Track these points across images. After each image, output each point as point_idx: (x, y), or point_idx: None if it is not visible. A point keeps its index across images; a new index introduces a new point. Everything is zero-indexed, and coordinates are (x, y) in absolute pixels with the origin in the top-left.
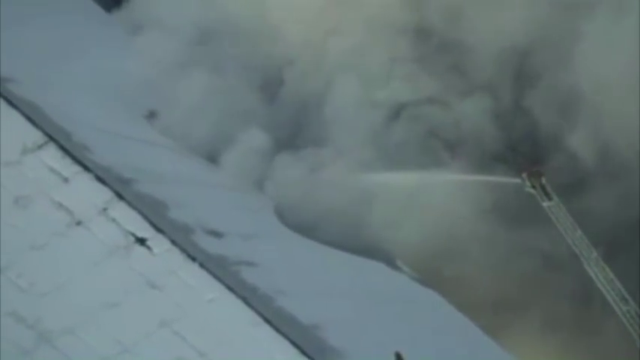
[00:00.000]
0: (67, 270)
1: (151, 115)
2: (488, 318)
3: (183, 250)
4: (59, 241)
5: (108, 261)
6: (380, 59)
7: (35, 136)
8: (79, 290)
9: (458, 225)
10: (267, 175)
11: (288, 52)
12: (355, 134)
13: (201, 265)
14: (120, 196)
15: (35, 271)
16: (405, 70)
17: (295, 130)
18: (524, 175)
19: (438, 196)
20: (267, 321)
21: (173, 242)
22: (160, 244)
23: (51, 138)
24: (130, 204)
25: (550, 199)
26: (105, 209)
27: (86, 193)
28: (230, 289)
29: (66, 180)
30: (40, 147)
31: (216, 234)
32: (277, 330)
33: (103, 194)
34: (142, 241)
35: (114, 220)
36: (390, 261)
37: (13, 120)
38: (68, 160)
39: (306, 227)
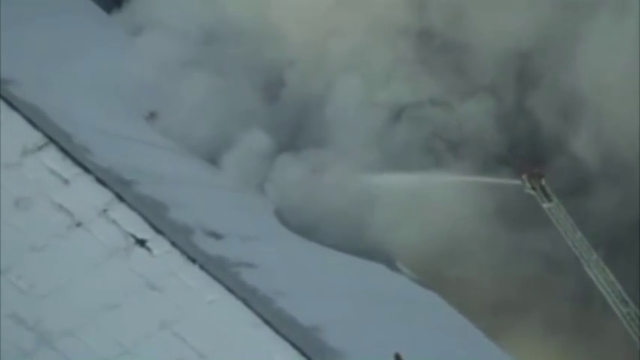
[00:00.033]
0: (68, 271)
1: (152, 116)
2: (488, 319)
3: (183, 252)
4: (59, 242)
5: (108, 262)
6: (382, 60)
7: (35, 137)
8: (79, 292)
9: (459, 226)
10: (267, 176)
11: (290, 53)
12: (357, 135)
13: (201, 267)
14: (120, 198)
15: (35, 272)
16: (407, 71)
17: (297, 131)
18: (524, 176)
19: (440, 197)
20: (267, 322)
21: (173, 244)
22: (160, 245)
23: (51, 139)
24: (130, 205)
25: (550, 200)
26: (105, 211)
27: (86, 194)
28: (230, 290)
29: (66, 181)
30: (40, 148)
31: (216, 235)
32: (277, 331)
33: (104, 196)
34: (142, 243)
35: (114, 221)
36: (390, 262)
37: (14, 121)
38: (68, 162)
39: (307, 229)
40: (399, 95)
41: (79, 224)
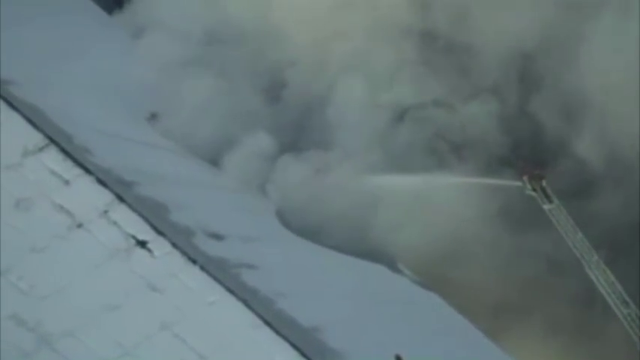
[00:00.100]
0: (68, 272)
1: (153, 117)
2: (490, 320)
3: (184, 253)
4: (60, 243)
5: (109, 263)
6: (385, 61)
7: (36, 138)
8: (80, 293)
9: (462, 228)
10: (270, 177)
11: (292, 54)
12: (359, 137)
13: (202, 268)
14: (121, 199)
15: (36, 273)
16: (410, 73)
17: (299, 133)
18: (525, 177)
19: (442, 198)
20: (268, 323)
21: (174, 245)
22: (160, 246)
23: (52, 140)
24: (130, 207)
25: (551, 201)
26: (106, 212)
27: (87, 195)
28: (230, 291)
29: (67, 182)
30: (41, 149)
31: (217, 236)
32: (277, 332)
33: (104, 197)
34: (142, 244)
35: (115, 222)
36: (391, 263)
37: (14, 122)
38: (69, 163)
39: (308, 230)
40: (401, 96)
41: (79, 225)
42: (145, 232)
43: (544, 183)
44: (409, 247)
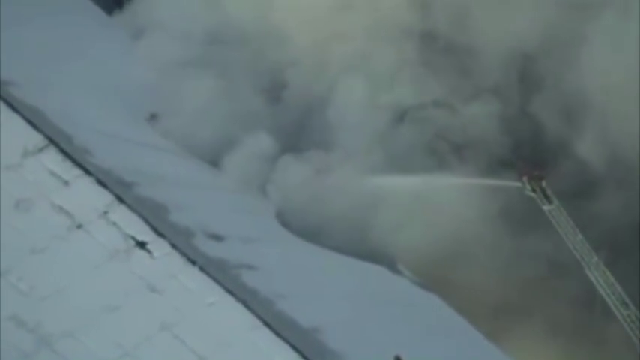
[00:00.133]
0: (68, 273)
1: (152, 118)
2: (490, 321)
3: (184, 254)
4: (60, 244)
5: (108, 264)
6: (385, 62)
7: (36, 139)
8: (80, 294)
9: (462, 229)
10: (270, 178)
11: (293, 55)
12: (360, 137)
13: (202, 269)
14: (120, 200)
15: (36, 274)
16: (411, 73)
17: (299, 134)
18: (524, 178)
19: (443, 199)
20: (267, 324)
21: (173, 246)
22: (160, 247)
23: (51, 141)
24: (130, 207)
25: (550, 202)
26: (105, 213)
27: (87, 196)
28: (230, 292)
29: (66, 183)
30: (40, 150)
31: (216, 237)
32: (277, 333)
33: (104, 198)
34: (142, 245)
35: (114, 223)
36: (390, 264)
37: (14, 123)
38: (69, 164)
39: (309, 231)
40: (402, 97)
41: (79, 226)
42: (145, 233)
43: (544, 184)
44: (409, 248)
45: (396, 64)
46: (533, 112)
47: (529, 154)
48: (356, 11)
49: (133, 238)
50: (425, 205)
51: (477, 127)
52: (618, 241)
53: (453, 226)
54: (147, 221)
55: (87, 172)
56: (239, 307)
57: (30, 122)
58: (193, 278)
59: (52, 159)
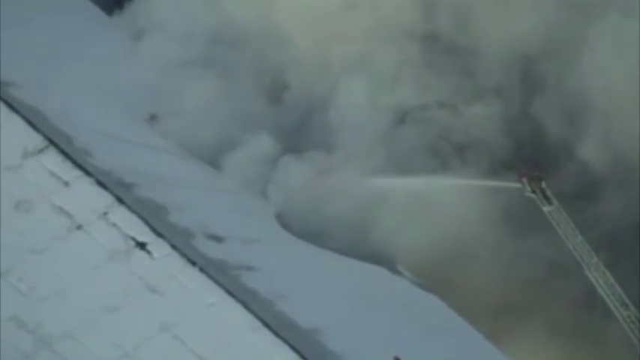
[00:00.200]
0: (68, 274)
1: (152, 119)
2: (491, 322)
3: (183, 255)
4: (59, 245)
5: (108, 265)
6: (388, 63)
7: (36, 140)
8: (79, 294)
9: (463, 230)
10: (270, 179)
11: (295, 56)
12: (362, 138)
13: (201, 270)
14: (120, 201)
15: (36, 275)
16: (413, 74)
17: (301, 134)
18: (524, 179)
19: (444, 200)
20: (267, 325)
21: (173, 247)
22: (160, 248)
23: (51, 142)
24: (130, 208)
25: (550, 203)
26: (105, 213)
27: (87, 197)
28: (230, 293)
29: (66, 184)
30: (40, 151)
31: (216, 238)
32: (277, 334)
33: (104, 198)
34: (142, 246)
35: (114, 224)
36: (390, 265)
37: (14, 124)
38: (69, 165)
39: (309, 232)
40: (404, 98)
41: (79, 227)
42: (145, 234)
43: (543, 185)
44: (411, 249)
45: (397, 64)
46: (536, 113)
47: (531, 155)
48: (357, 12)
49: (133, 238)
50: (426, 206)
51: (479, 128)
52: (618, 241)
53: (453, 226)
54: (147, 222)
55: (87, 172)
56: (239, 308)
57: (30, 123)
58: (193, 279)
59: (52, 160)
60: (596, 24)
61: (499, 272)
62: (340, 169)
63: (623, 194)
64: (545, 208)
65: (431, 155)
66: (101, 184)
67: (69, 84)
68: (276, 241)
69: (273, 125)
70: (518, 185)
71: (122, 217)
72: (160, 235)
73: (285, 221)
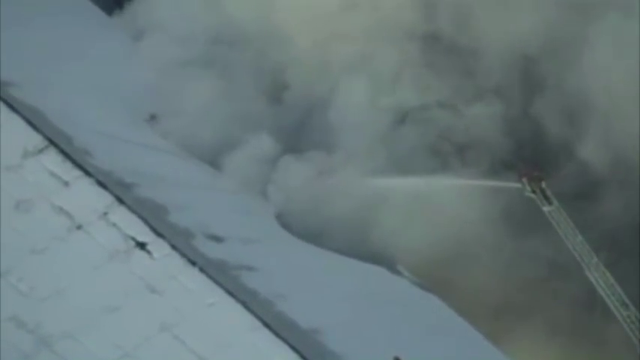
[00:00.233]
0: (68, 274)
1: (152, 119)
2: (491, 322)
3: (184, 255)
4: (59, 245)
5: (108, 265)
6: (388, 63)
7: (36, 140)
8: (79, 294)
9: (464, 230)
10: (270, 179)
11: (295, 56)
12: (362, 138)
13: (201, 270)
14: (120, 201)
15: (35, 275)
16: (413, 74)
17: (301, 134)
18: (524, 179)
19: (444, 200)
20: (267, 325)
21: (173, 247)
22: (160, 248)
23: (51, 142)
24: (130, 208)
25: (550, 203)
26: (105, 213)
27: (87, 197)
28: (230, 293)
29: (66, 184)
30: (40, 151)
31: (216, 238)
32: (277, 334)
33: (104, 198)
34: (142, 246)
35: (114, 224)
36: (390, 265)
37: (14, 124)
38: (69, 165)
39: (310, 233)
40: (404, 98)
41: (79, 227)
42: (145, 234)
43: (543, 185)
44: (411, 249)
45: (397, 64)
46: (536, 113)
47: (531, 155)
48: (358, 12)
49: (133, 238)
50: (426, 206)
51: (479, 128)
52: (618, 242)
53: (454, 226)
54: (147, 222)
55: (87, 173)
56: (239, 308)
57: (30, 123)
58: (193, 279)
59: (52, 160)
60: (596, 24)
61: (499, 272)
62: (340, 169)
63: (623, 194)
64: (545, 208)
65: (431, 155)
66: (101, 184)
67: (69, 84)
68: (276, 241)
69: (273, 125)
70: (518, 185)
71: (122, 217)
72: (160, 235)
73: (285, 221)
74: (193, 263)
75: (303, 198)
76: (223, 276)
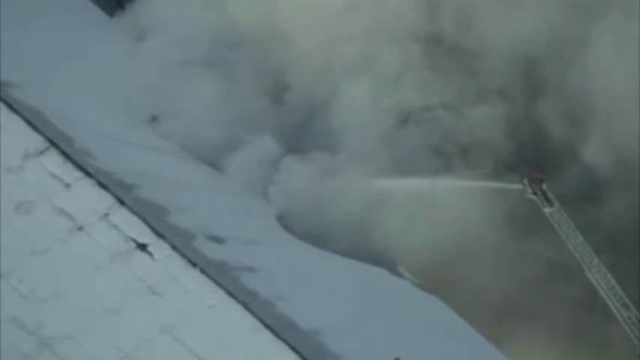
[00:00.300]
0: (68, 275)
1: (153, 120)
2: (492, 324)
3: (184, 256)
4: (60, 246)
5: (109, 267)
6: (391, 64)
7: (37, 141)
8: (80, 296)
9: (465, 231)
10: (272, 180)
11: (297, 57)
12: (365, 140)
13: (202, 271)
14: (121, 202)
15: (36, 276)
16: (416, 75)
17: (303, 136)
18: (525, 181)
19: (447, 201)
20: (268, 326)
21: (174, 248)
22: (160, 249)
23: (52, 143)
24: (131, 209)
25: (551, 205)
26: (106, 215)
27: (87, 198)
28: (230, 294)
29: (67, 185)
30: (41, 152)
31: (217, 239)
32: (277, 335)
33: (105, 200)
34: (143, 247)
35: (115, 225)
36: (391, 267)
37: (15, 125)
38: (70, 166)
39: (311, 234)
40: (407, 99)
41: (80, 228)
42: (146, 235)
43: (544, 186)
44: (413, 250)
45: (400, 66)
46: (538, 114)
47: (534, 157)
48: (360, 13)
49: (134, 240)
50: (428, 207)
51: (482, 129)
52: (619, 243)
53: (456, 228)
54: (147, 223)
55: (88, 174)
56: (239, 310)
57: (31, 124)
58: (194, 280)
59: (53, 161)
60: (598, 25)
61: (500, 273)
62: (343, 170)
63: (625, 195)
64: (546, 210)
65: (433, 156)
66: (102, 186)
67: (70, 85)
68: (276, 242)
69: (275, 126)
70: (520, 187)
71: (123, 218)
72: (160, 236)
73: (287, 222)
74: (194, 264)
75: (305, 199)
76: (224, 277)
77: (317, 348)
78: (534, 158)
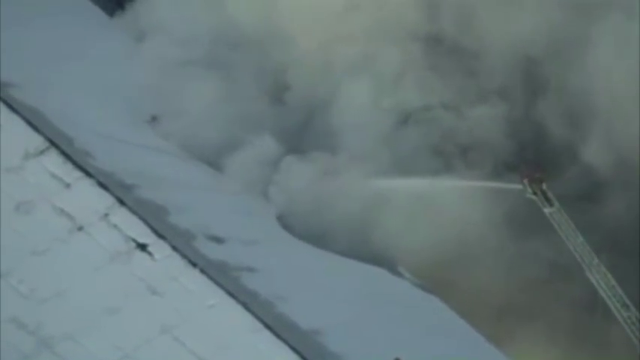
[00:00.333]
0: (68, 276)
1: (154, 120)
2: (492, 324)
3: (184, 256)
4: (60, 246)
5: (109, 267)
6: (391, 64)
7: (37, 141)
8: (80, 296)
9: (466, 231)
10: (272, 180)
11: (297, 57)
12: (365, 139)
13: (202, 271)
14: (121, 202)
15: (36, 276)
16: (416, 75)
17: (303, 136)
18: (525, 181)
19: (447, 201)
20: (268, 327)
21: (174, 248)
22: (161, 249)
23: (52, 143)
24: (131, 209)
25: (551, 205)
26: (106, 215)
27: (88, 198)
28: (231, 294)
29: (67, 186)
30: (41, 152)
31: (217, 239)
32: (277, 336)
33: (105, 200)
34: (143, 247)
35: (115, 225)
36: (391, 267)
37: (15, 125)
38: (70, 166)
39: (312, 235)
40: (407, 99)
41: (80, 228)
42: (146, 235)
43: (544, 186)
44: (413, 250)
45: (400, 66)
46: (539, 114)
47: (534, 157)
48: (360, 13)
49: (134, 240)
50: (428, 207)
51: (482, 129)
52: (619, 243)
53: (456, 228)
54: (148, 223)
55: (88, 174)
56: (239, 310)
57: (31, 124)
58: (194, 280)
59: (53, 161)
60: (598, 25)
61: (500, 273)
62: (343, 170)
63: (625, 195)
64: (546, 210)
65: (433, 156)
66: (102, 186)
67: (70, 85)
68: (276, 242)
69: (275, 126)
70: (520, 187)
71: (123, 218)
72: (160, 236)
73: (287, 222)
74: (194, 264)
75: (305, 199)
76: (224, 277)
77: (317, 348)
78: (534, 158)
